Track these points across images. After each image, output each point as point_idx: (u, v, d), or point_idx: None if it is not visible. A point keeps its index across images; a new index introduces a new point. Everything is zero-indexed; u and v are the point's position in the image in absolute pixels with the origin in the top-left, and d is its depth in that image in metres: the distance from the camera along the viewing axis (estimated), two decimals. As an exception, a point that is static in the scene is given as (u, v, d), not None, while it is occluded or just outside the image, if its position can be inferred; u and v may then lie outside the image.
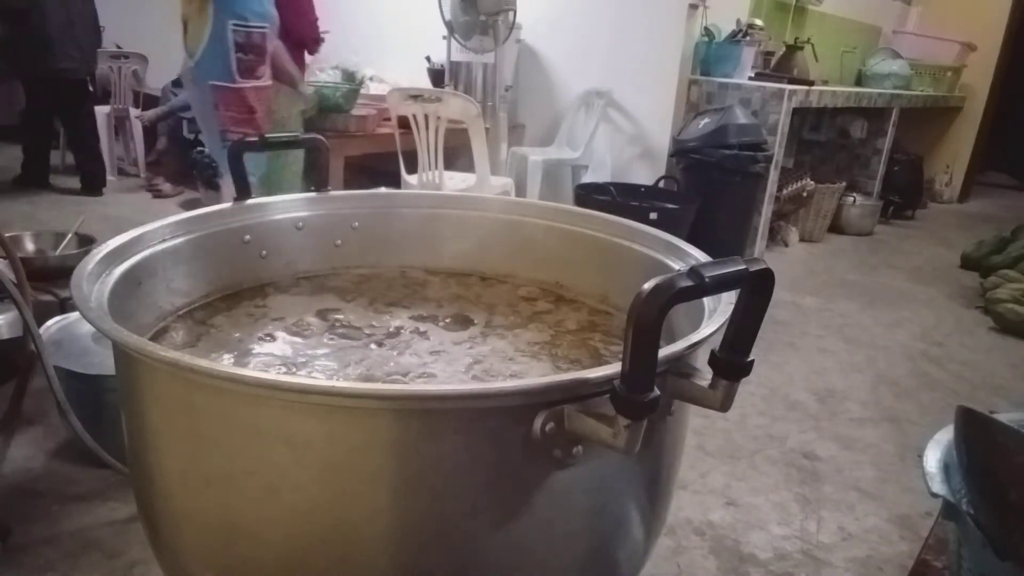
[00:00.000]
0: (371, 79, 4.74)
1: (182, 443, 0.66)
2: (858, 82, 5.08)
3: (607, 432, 0.55)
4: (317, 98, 3.58)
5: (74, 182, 4.63)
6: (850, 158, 4.92)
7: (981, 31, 5.50)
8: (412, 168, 3.36)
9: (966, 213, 5.70)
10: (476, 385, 0.79)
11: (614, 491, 0.67)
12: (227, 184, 2.50)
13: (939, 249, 4.39)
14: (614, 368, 0.54)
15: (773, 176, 3.62)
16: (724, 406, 0.61)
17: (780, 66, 4.20)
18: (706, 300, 0.75)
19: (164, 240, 0.92)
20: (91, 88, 4.57)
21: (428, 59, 4.68)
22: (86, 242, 2.83)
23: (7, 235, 1.68)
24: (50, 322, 1.83)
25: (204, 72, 2.57)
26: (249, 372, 0.62)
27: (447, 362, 0.90)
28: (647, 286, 0.50)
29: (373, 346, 0.94)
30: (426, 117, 3.14)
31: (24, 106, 4.56)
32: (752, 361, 0.60)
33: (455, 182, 3.39)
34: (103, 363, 1.64)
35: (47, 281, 2.24)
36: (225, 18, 2.51)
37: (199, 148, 4.58)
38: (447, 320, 1.03)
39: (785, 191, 4.06)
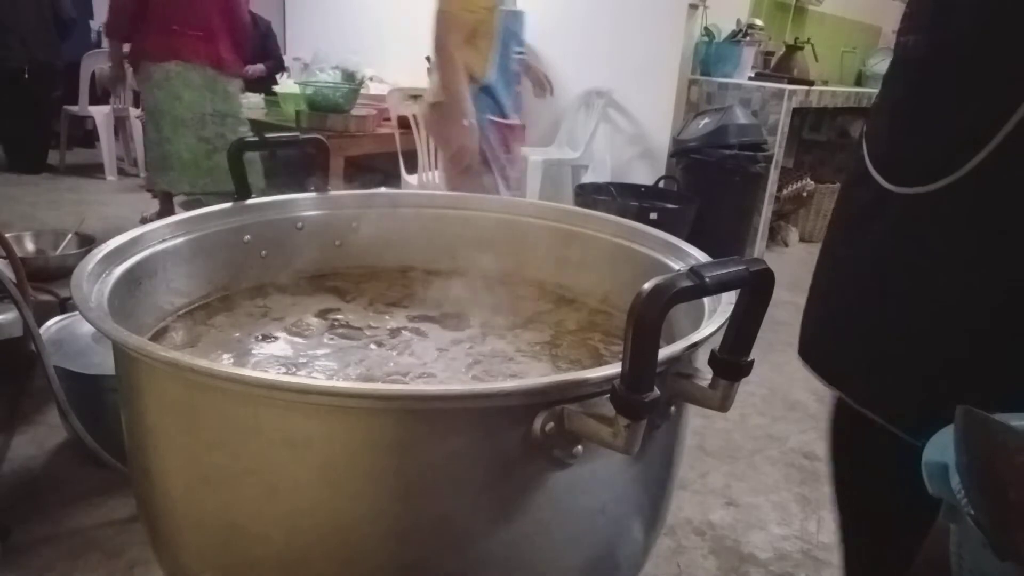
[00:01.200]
0: (371, 79, 4.74)
1: (182, 443, 0.66)
2: (858, 82, 5.08)
3: (607, 432, 0.55)
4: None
5: (74, 181, 4.64)
6: (850, 158, 4.92)
7: (981, 31, 5.49)
8: (412, 168, 3.37)
9: (966, 213, 5.68)
10: (476, 385, 0.79)
11: (614, 491, 0.67)
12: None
13: (939, 249, 4.38)
14: (614, 368, 0.54)
15: (773, 176, 3.62)
16: (724, 406, 0.61)
17: (780, 66, 4.20)
18: (706, 300, 0.75)
19: (164, 240, 0.92)
20: (36, 79, 4.64)
21: (428, 59, 4.68)
22: (86, 242, 2.84)
23: (7, 235, 1.68)
24: (50, 322, 1.83)
25: (481, 103, 2.28)
26: (249, 372, 0.62)
27: (447, 362, 0.90)
28: (647, 286, 0.50)
29: (373, 346, 0.94)
30: (426, 117, 3.13)
31: None
32: (752, 361, 0.60)
33: (455, 182, 3.39)
34: (103, 363, 1.64)
35: (47, 281, 2.24)
36: (509, 41, 2.24)
37: (199, 148, 4.57)
38: (447, 320, 1.03)
39: (785, 191, 4.06)
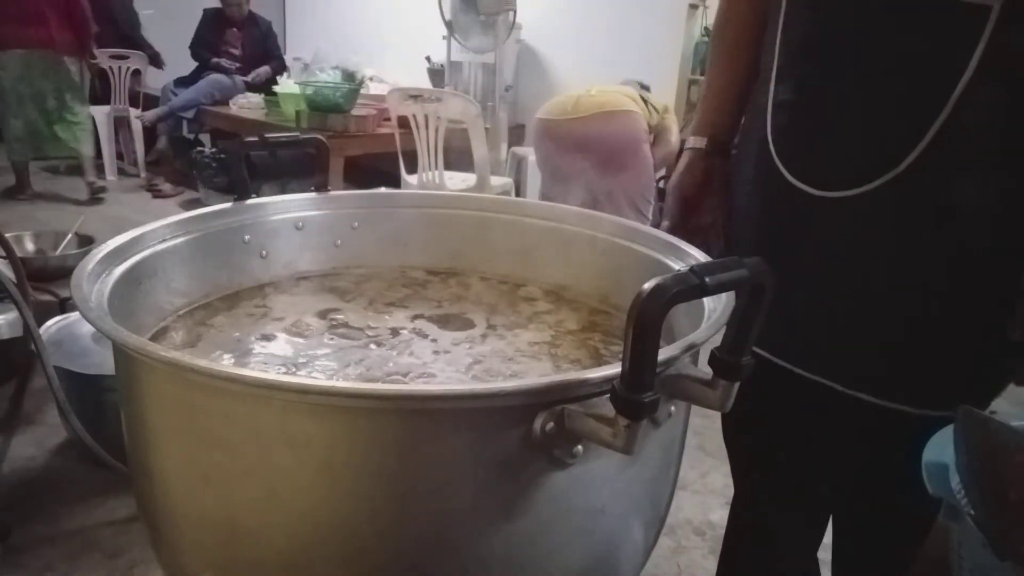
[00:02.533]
0: (371, 79, 4.75)
1: (182, 443, 0.66)
2: (858, 82, 5.07)
3: (607, 432, 0.55)
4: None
5: (75, 181, 4.63)
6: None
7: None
8: (412, 168, 3.37)
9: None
10: (476, 385, 0.79)
11: (614, 491, 0.67)
12: None
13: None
14: (614, 368, 0.54)
15: (773, 176, 3.61)
16: (724, 406, 0.61)
17: (780, 66, 4.20)
18: (707, 300, 0.75)
19: (164, 240, 0.92)
20: None
21: (428, 59, 4.69)
22: (86, 242, 2.85)
23: (7, 235, 1.68)
24: (50, 322, 1.83)
25: None
26: (249, 372, 0.62)
27: (447, 362, 0.90)
28: (647, 286, 0.50)
29: (373, 346, 0.94)
30: (426, 117, 3.14)
31: None
32: (752, 361, 0.60)
33: (455, 182, 3.40)
34: (103, 363, 1.64)
35: (47, 281, 2.25)
36: None
37: (199, 148, 4.59)
38: (447, 320, 1.03)
39: (785, 191, 4.05)
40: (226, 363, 0.86)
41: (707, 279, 0.51)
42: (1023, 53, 0.72)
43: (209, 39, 5.18)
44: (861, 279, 0.86)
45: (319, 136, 1.12)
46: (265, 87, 4.72)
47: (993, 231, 0.79)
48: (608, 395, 0.54)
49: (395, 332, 0.98)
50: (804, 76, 0.90)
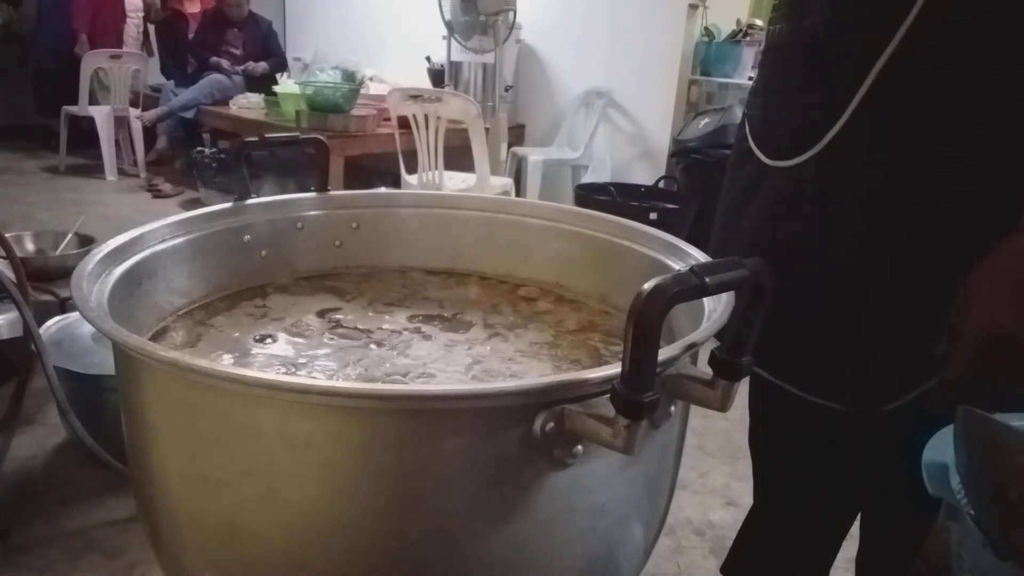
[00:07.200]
0: (371, 79, 4.75)
1: (182, 443, 0.66)
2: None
3: (607, 432, 0.55)
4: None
5: (74, 181, 4.64)
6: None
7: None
8: (412, 168, 3.37)
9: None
10: (476, 385, 0.79)
11: (614, 491, 0.67)
12: None
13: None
14: (614, 368, 0.54)
15: (773, 176, 3.61)
16: (724, 406, 0.61)
17: (780, 66, 4.20)
18: (707, 300, 0.75)
19: (164, 240, 0.92)
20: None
21: (428, 59, 4.69)
22: (86, 242, 2.84)
23: (7, 235, 1.68)
24: (50, 322, 1.83)
25: None
26: (249, 372, 0.62)
27: (447, 362, 0.90)
28: (647, 286, 0.50)
29: (373, 346, 0.94)
30: (426, 117, 3.14)
31: None
32: (752, 361, 0.60)
33: (455, 182, 3.40)
34: (103, 363, 1.64)
35: (47, 281, 2.25)
36: None
37: (199, 148, 4.59)
38: (447, 320, 1.03)
39: (785, 191, 4.05)
40: (226, 363, 0.86)
41: (707, 279, 0.51)
42: (946, 35, 0.70)
43: (209, 39, 5.18)
44: (790, 260, 0.82)
45: (319, 136, 1.12)
46: (263, 84, 4.71)
47: (917, 226, 0.75)
48: (608, 395, 0.54)
49: (395, 332, 0.98)
50: (771, 36, 0.90)
